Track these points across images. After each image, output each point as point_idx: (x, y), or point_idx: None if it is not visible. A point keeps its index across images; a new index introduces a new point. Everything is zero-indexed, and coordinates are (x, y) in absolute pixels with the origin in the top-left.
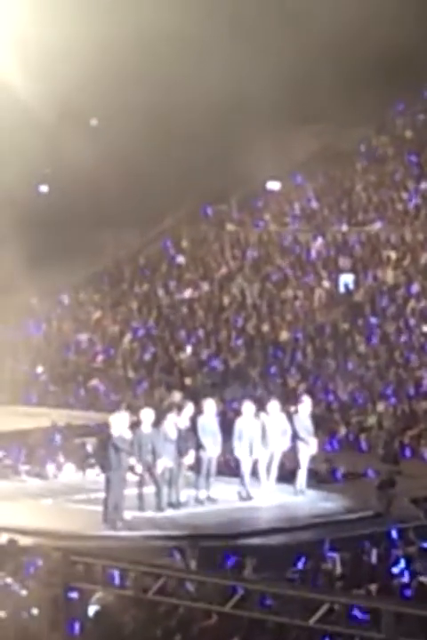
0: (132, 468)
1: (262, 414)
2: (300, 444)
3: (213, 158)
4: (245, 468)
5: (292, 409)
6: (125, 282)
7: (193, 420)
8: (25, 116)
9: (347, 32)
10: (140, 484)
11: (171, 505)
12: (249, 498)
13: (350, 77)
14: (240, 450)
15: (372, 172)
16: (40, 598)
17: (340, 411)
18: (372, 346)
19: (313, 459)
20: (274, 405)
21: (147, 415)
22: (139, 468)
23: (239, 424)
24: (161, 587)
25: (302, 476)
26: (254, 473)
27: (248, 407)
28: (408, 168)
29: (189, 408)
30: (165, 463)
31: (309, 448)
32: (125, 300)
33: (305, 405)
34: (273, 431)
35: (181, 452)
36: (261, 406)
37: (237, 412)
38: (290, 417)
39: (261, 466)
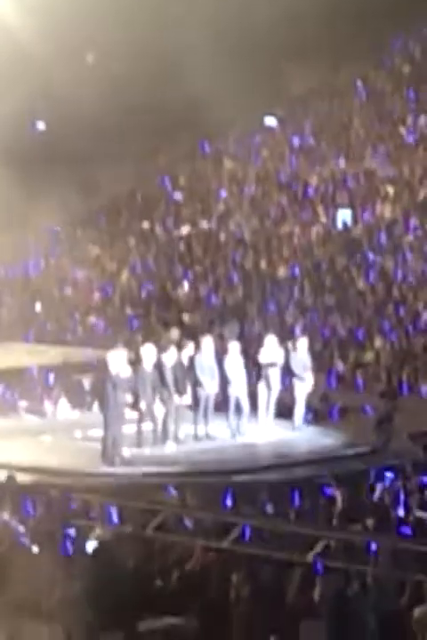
0: (133, 405)
1: (261, 350)
2: (295, 381)
3: (211, 94)
4: (232, 406)
5: (289, 345)
6: (123, 219)
7: (191, 357)
8: (21, 52)
9: None
10: (139, 420)
11: (169, 441)
12: (238, 434)
13: (347, 12)
14: (229, 388)
15: (370, 108)
16: (38, 535)
17: (338, 347)
18: (370, 282)
19: (311, 395)
20: (271, 340)
21: (148, 352)
22: (142, 405)
23: (226, 363)
24: (159, 523)
25: (299, 412)
26: (253, 409)
27: (234, 346)
28: (406, 103)
29: (189, 346)
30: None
31: (304, 384)
32: (123, 237)
33: (302, 342)
34: (270, 367)
35: (179, 389)
36: (259, 343)
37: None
38: (287, 353)
39: (260, 402)
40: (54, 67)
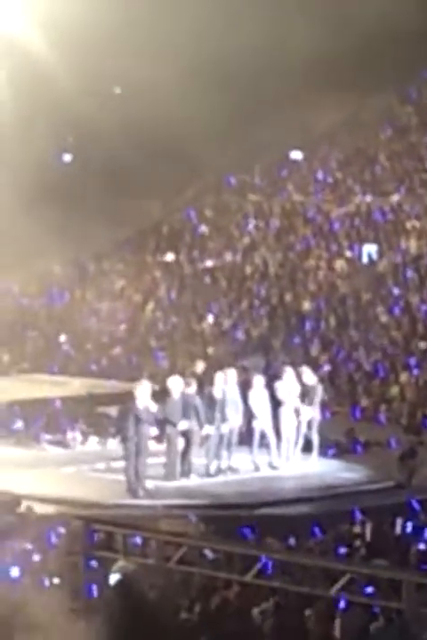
0: (158, 437)
1: (279, 383)
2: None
3: (236, 127)
4: (256, 440)
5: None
6: (148, 251)
7: (215, 390)
8: (49, 84)
9: (372, 0)
10: (165, 453)
11: (193, 474)
12: (272, 468)
13: (374, 46)
14: (254, 421)
15: (396, 142)
16: (61, 567)
17: (362, 381)
18: (395, 316)
19: (335, 429)
20: (289, 373)
21: (175, 384)
22: (167, 437)
23: (251, 396)
24: (182, 556)
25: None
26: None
27: (258, 379)
28: None
29: (213, 379)
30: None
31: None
32: (148, 269)
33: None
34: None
35: (203, 422)
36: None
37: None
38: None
39: (284, 435)
40: (81, 99)
